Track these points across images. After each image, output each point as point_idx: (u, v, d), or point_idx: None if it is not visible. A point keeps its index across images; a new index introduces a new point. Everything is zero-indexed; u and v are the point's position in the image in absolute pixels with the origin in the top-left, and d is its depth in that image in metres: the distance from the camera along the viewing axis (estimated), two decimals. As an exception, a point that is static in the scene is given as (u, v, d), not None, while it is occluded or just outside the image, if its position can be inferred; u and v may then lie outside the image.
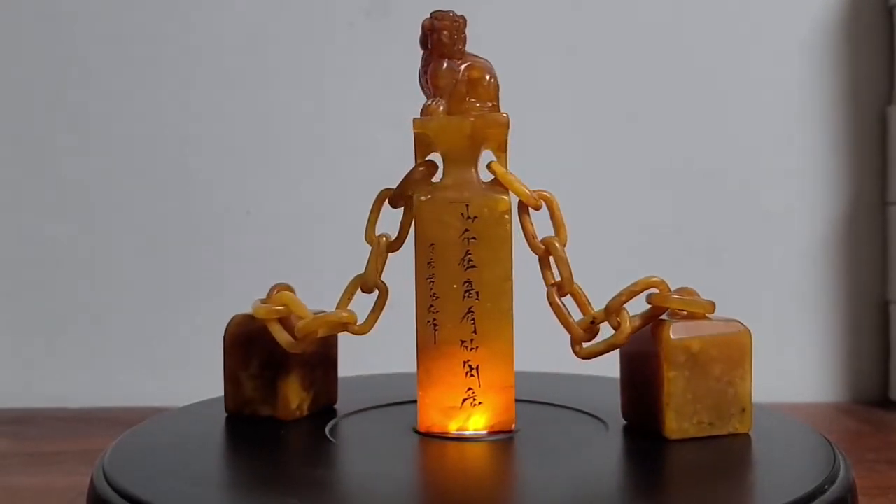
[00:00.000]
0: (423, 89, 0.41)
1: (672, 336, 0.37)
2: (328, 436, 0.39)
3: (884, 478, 0.51)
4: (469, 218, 0.38)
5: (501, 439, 0.39)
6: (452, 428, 0.39)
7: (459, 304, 0.38)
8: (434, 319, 0.38)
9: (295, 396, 0.41)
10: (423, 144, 0.40)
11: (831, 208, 0.72)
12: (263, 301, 0.39)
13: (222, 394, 0.42)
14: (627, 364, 0.40)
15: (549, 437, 0.39)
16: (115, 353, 0.70)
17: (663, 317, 0.38)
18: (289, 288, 0.40)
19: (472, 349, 0.38)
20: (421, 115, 0.40)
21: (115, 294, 0.71)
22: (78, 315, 0.70)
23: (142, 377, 0.70)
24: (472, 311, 0.38)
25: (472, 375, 0.38)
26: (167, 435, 0.39)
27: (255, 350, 0.40)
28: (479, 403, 0.38)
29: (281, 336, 0.39)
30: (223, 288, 0.70)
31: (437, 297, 0.38)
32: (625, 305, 0.38)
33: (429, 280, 0.39)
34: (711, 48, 0.71)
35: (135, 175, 0.71)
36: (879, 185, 0.72)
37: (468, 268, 0.38)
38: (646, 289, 0.38)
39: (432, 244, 0.38)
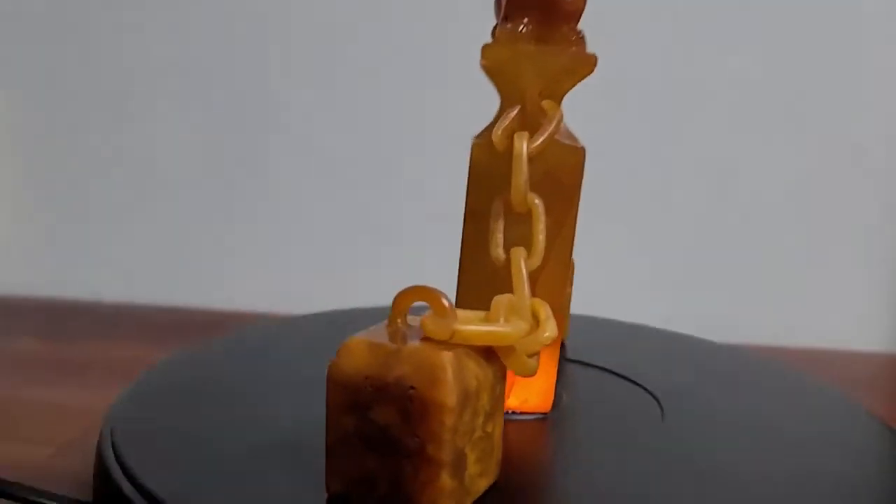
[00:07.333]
0: (500, 8, 0.30)
1: None
2: None
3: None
4: None
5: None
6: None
7: None
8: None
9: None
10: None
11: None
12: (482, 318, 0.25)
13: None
14: None
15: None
16: (154, 250, 0.62)
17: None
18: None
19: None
20: (574, 45, 0.29)
21: (167, 189, 0.61)
22: (121, 205, 0.61)
23: (177, 276, 0.62)
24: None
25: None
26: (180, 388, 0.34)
27: (478, 397, 0.24)
28: None
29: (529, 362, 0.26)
30: (269, 182, 0.60)
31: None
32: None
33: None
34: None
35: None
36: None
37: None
38: None
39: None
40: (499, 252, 0.29)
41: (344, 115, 0.59)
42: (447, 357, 0.23)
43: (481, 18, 0.32)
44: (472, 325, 0.23)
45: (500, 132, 0.30)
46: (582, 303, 0.41)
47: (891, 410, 0.46)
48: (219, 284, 0.61)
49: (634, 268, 0.57)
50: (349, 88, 0.58)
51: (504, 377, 0.26)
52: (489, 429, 0.25)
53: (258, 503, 0.26)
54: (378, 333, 0.24)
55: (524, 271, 0.28)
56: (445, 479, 0.23)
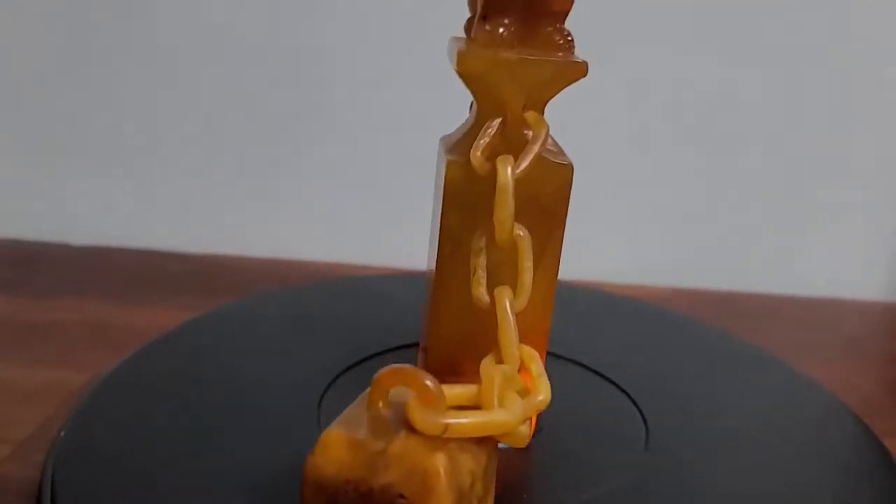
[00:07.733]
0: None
1: None
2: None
3: None
4: None
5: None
6: None
7: None
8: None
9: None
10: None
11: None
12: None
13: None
14: None
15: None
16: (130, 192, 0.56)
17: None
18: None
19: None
20: (567, 51, 0.26)
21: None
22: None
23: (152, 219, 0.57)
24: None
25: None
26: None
27: (472, 489, 0.22)
28: None
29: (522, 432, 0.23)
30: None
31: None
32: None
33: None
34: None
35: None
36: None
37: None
38: None
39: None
40: (481, 292, 0.26)
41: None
42: (440, 460, 0.20)
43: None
44: (465, 417, 0.21)
45: (479, 153, 0.26)
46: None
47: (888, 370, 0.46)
48: (208, 228, 0.56)
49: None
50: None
51: (496, 450, 0.24)
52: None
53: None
54: (357, 422, 0.21)
55: (511, 315, 0.25)
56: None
